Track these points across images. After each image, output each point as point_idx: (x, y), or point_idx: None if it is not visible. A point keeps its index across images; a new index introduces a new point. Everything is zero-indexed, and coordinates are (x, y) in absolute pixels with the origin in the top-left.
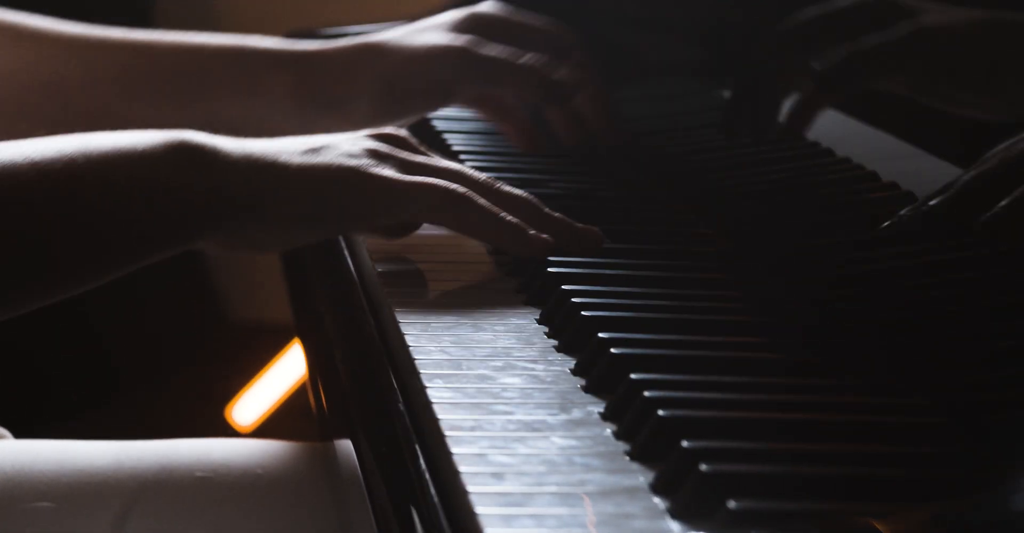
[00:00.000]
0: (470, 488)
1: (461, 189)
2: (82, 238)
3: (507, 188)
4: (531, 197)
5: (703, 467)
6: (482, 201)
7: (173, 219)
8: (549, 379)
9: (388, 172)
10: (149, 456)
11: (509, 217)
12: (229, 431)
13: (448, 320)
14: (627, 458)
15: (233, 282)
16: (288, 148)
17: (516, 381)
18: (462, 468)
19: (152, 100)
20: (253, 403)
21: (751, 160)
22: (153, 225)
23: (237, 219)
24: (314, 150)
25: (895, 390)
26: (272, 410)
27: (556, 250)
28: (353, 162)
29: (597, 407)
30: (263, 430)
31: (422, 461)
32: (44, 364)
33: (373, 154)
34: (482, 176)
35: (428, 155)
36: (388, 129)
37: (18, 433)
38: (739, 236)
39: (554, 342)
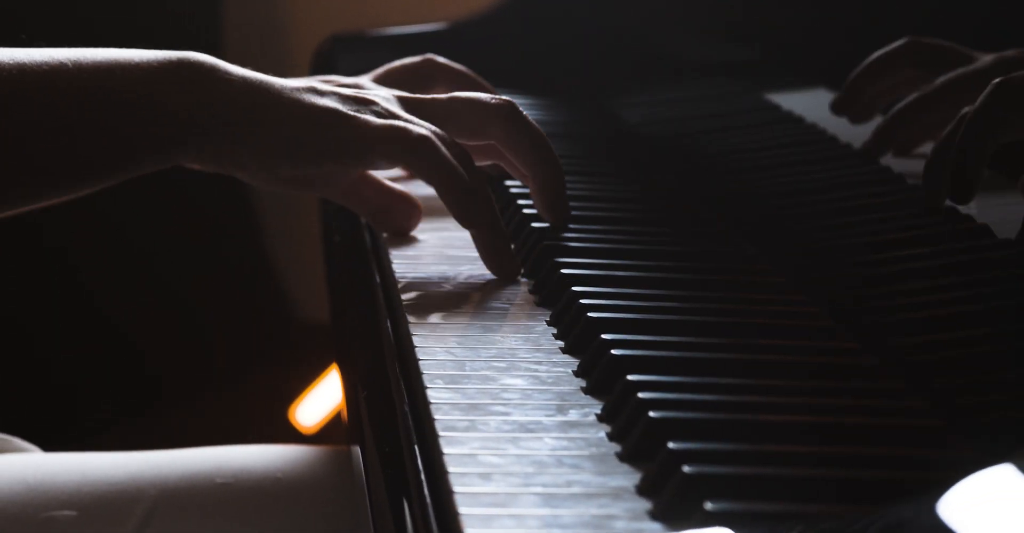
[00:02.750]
0: (456, 488)
1: (424, 133)
2: (60, 141)
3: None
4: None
5: (686, 469)
6: (443, 151)
7: (156, 128)
8: (550, 380)
9: (366, 117)
10: (170, 464)
11: (458, 171)
12: (292, 432)
13: (458, 321)
14: (617, 460)
15: (302, 282)
16: (286, 82)
17: (518, 382)
18: (451, 469)
19: None
20: (317, 404)
21: (778, 162)
22: (136, 133)
23: (221, 135)
24: (309, 88)
25: (894, 393)
26: (336, 411)
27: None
28: (338, 105)
29: (595, 409)
30: (326, 431)
31: (420, 462)
32: (105, 368)
33: (361, 101)
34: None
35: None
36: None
37: (85, 436)
38: (757, 237)
39: (561, 343)
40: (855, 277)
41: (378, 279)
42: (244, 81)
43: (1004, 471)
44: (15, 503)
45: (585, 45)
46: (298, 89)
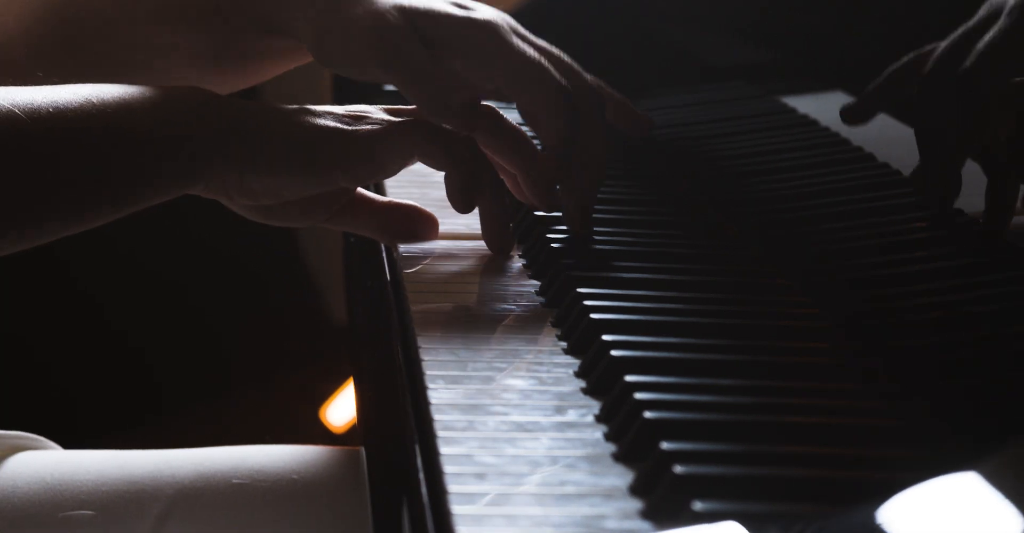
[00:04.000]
0: (451, 488)
1: (416, 122)
2: (88, 178)
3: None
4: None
5: (677, 469)
6: (443, 129)
7: (169, 163)
8: (551, 381)
9: (364, 127)
10: (187, 464)
11: (468, 162)
12: (324, 432)
13: (463, 321)
14: (612, 460)
15: (334, 283)
16: (281, 107)
17: (518, 383)
18: (447, 469)
19: (56, 54)
20: (348, 404)
21: (790, 165)
22: (153, 169)
23: (226, 163)
24: (304, 110)
25: (892, 395)
26: None
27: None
28: (336, 123)
29: (594, 410)
30: (354, 431)
31: (419, 461)
32: (158, 361)
33: (355, 118)
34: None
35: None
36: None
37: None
38: (765, 240)
39: (564, 344)
40: (859, 279)
41: (388, 279)
42: (243, 108)
43: (974, 475)
44: (33, 502)
45: (601, 48)
46: (294, 112)
